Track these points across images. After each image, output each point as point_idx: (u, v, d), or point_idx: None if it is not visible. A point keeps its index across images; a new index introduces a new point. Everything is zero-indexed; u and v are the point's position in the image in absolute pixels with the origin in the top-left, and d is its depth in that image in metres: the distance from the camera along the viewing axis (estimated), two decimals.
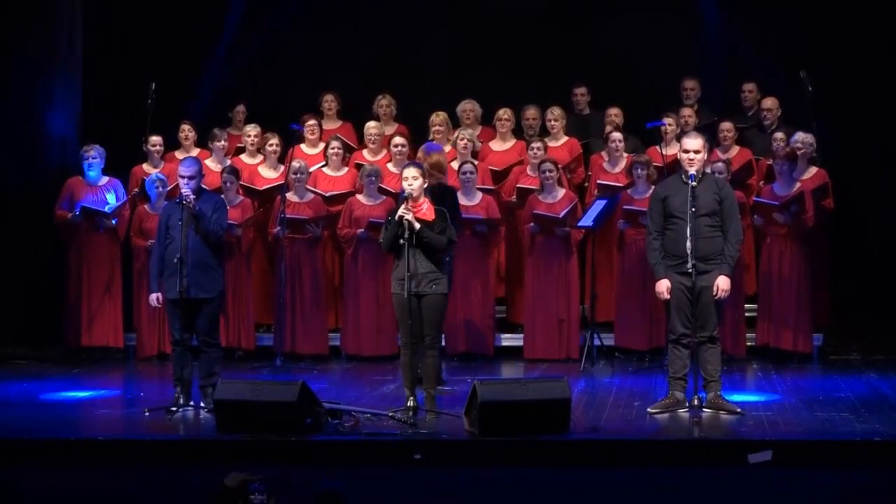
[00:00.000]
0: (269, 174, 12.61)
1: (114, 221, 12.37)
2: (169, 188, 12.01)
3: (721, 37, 13.73)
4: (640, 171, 11.90)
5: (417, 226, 9.46)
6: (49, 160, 13.15)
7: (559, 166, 12.10)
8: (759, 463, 8.43)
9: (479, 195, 12.00)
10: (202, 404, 9.83)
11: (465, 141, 12.45)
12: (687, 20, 13.83)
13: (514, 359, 12.17)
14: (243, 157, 12.91)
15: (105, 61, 13.69)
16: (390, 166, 12.40)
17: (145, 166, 12.79)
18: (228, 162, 12.64)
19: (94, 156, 12.37)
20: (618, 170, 12.44)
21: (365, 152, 12.78)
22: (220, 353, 10.08)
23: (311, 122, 12.89)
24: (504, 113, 12.87)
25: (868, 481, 8.24)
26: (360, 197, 12.10)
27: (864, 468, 8.43)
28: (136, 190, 12.61)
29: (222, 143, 12.74)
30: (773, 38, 13.47)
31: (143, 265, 11.91)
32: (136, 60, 13.62)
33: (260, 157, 12.81)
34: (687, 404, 9.55)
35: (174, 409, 9.78)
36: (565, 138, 12.88)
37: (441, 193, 10.36)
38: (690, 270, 9.41)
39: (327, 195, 12.30)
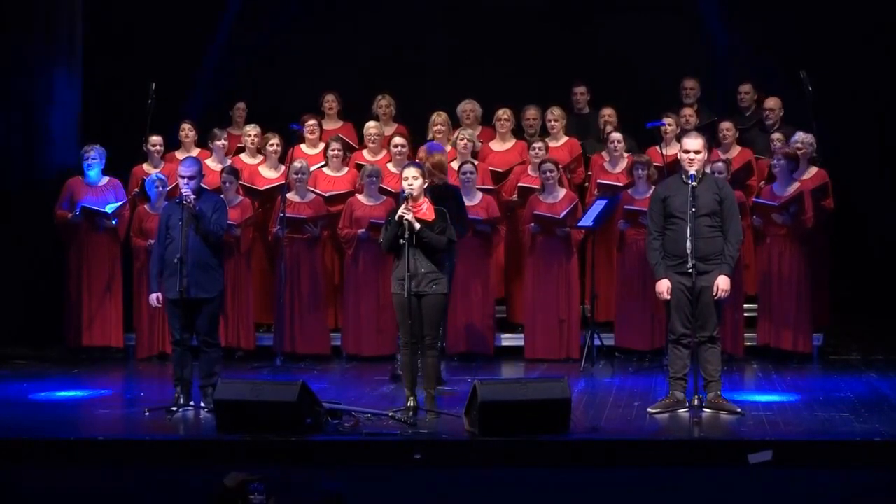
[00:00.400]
0: (270, 174, 12.61)
1: (114, 221, 12.36)
2: (169, 188, 12.00)
3: (723, 37, 13.71)
4: (640, 171, 11.90)
5: (417, 226, 9.46)
6: (49, 160, 13.16)
7: (560, 166, 12.10)
8: (759, 463, 8.42)
9: (480, 195, 12.00)
10: (202, 404, 9.82)
11: (465, 141, 12.45)
12: (687, 20, 13.82)
13: (515, 359, 12.17)
14: (243, 156, 12.91)
15: (105, 61, 13.68)
16: (390, 166, 12.40)
17: (145, 166, 12.79)
18: (229, 162, 12.63)
19: (94, 156, 12.37)
20: (618, 170, 12.44)
21: (365, 152, 12.78)
22: (220, 353, 10.07)
23: (311, 122, 12.89)
24: (504, 113, 12.87)
25: (868, 481, 8.22)
26: (360, 197, 12.10)
27: (865, 468, 8.42)
28: (136, 190, 12.60)
29: (222, 142, 12.74)
30: (773, 38, 13.45)
31: (143, 265, 11.91)
32: (136, 60, 13.61)
33: (260, 157, 12.80)
34: (687, 404, 9.54)
35: (174, 409, 9.77)
36: (565, 138, 12.88)
37: (445, 193, 10.36)
38: (690, 270, 9.40)
39: (327, 195, 12.30)
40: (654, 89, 13.41)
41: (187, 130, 12.85)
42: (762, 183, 12.28)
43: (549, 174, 11.93)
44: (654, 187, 10.67)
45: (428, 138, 12.53)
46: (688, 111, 12.86)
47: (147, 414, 9.76)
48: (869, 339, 12.45)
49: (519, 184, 12.35)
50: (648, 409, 9.65)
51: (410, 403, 9.44)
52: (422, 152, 10.80)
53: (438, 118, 12.75)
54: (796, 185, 11.74)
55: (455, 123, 12.98)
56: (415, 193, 9.54)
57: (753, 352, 12.01)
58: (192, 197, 9.73)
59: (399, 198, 9.82)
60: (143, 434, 9.23)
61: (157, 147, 12.75)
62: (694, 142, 9.57)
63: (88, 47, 13.53)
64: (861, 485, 8.17)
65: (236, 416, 8.91)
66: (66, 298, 12.46)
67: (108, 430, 9.42)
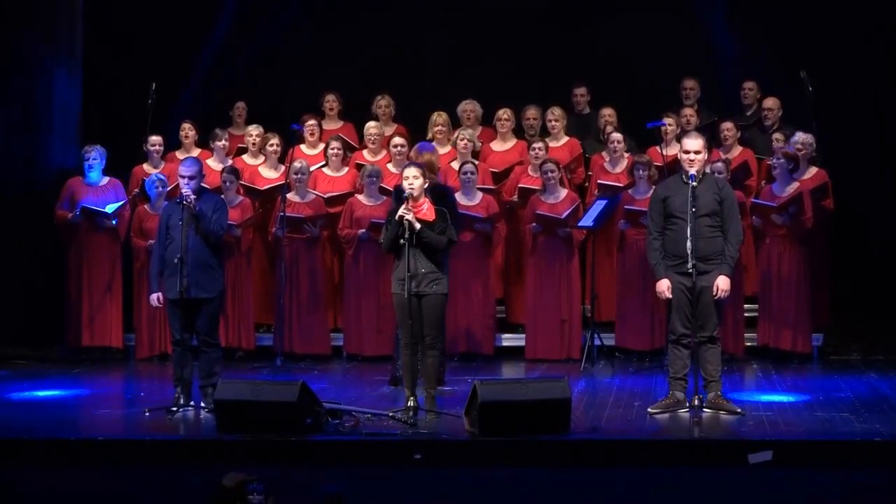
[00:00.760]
0: (270, 174, 12.60)
1: (114, 221, 12.35)
2: (169, 188, 11.99)
3: (724, 37, 13.70)
4: (641, 171, 11.90)
5: (418, 226, 9.45)
6: (49, 160, 13.15)
7: (561, 166, 12.10)
8: (759, 463, 8.41)
9: (480, 195, 11.99)
10: (202, 404, 9.81)
11: (466, 141, 12.44)
12: (687, 20, 13.81)
13: (515, 359, 12.16)
14: (245, 157, 12.89)
15: (105, 61, 13.67)
16: (390, 167, 12.39)
17: (145, 166, 12.78)
18: (230, 162, 12.62)
19: (94, 156, 12.36)
20: (618, 170, 12.43)
21: (365, 152, 12.77)
22: (220, 354, 10.06)
23: (311, 122, 12.87)
24: (504, 113, 12.86)
25: (868, 481, 8.21)
26: (360, 197, 12.09)
27: (865, 468, 8.41)
28: (136, 190, 12.59)
29: (223, 142, 12.73)
30: (772, 38, 13.44)
31: (144, 265, 11.90)
32: (136, 60, 13.59)
33: (262, 158, 12.79)
34: (687, 404, 9.53)
35: (174, 409, 9.76)
36: (566, 138, 12.87)
37: (435, 193, 10.34)
38: (691, 271, 9.40)
39: (326, 196, 12.29)
40: (654, 89, 13.41)
41: (188, 130, 12.84)
42: (763, 183, 12.27)
43: (550, 174, 11.92)
44: (654, 187, 10.67)
45: (428, 138, 12.54)
46: (688, 111, 12.85)
47: (147, 414, 9.74)
48: (869, 339, 12.44)
49: (519, 185, 12.34)
50: (649, 410, 9.64)
51: (411, 403, 9.43)
52: (412, 152, 10.81)
53: (439, 118, 12.74)
54: (795, 185, 11.73)
55: (455, 123, 12.97)
56: (415, 193, 9.53)
57: (753, 352, 12.00)
58: (193, 197, 9.72)
59: (394, 193, 9.79)
60: (143, 434, 9.22)
61: (157, 147, 12.74)
62: (694, 142, 9.56)
63: (88, 47, 13.52)
64: (861, 485, 8.15)
65: (236, 416, 8.90)
66: (66, 298, 12.45)
67: (108, 430, 9.40)
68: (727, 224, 9.52)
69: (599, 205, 11.68)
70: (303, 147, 12.78)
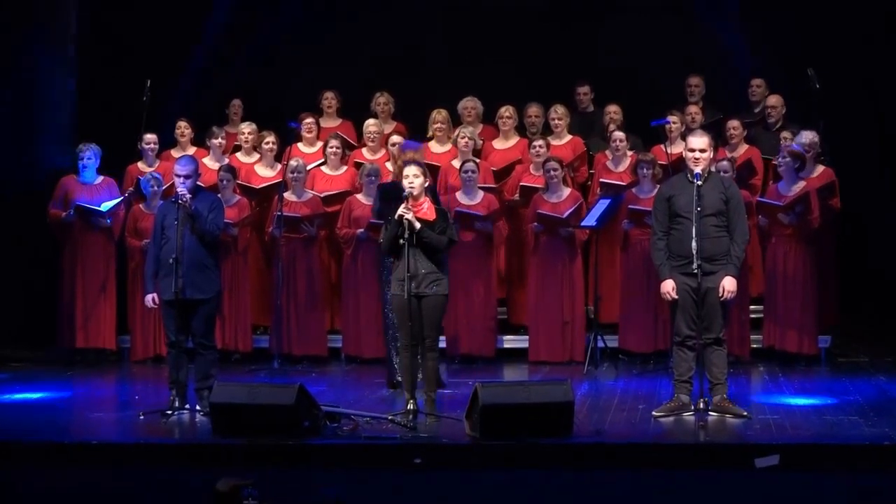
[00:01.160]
0: (266, 172, 12.51)
1: (108, 220, 12.24)
2: (164, 187, 11.90)
3: (728, 35, 13.62)
4: (645, 170, 11.79)
5: (418, 225, 9.35)
6: (44, 159, 13.08)
7: (563, 165, 11.98)
8: (766, 467, 8.35)
9: (481, 194, 11.89)
10: (198, 407, 9.73)
11: (467, 139, 12.34)
12: (687, 19, 13.75)
13: (516, 361, 12.08)
14: (239, 155, 12.81)
15: (100, 60, 13.62)
16: (389, 165, 12.27)
17: (140, 165, 12.72)
18: (226, 160, 12.52)
19: (89, 155, 12.30)
20: (621, 169, 12.33)
21: (364, 151, 12.69)
22: (215, 356, 9.97)
23: (309, 120, 12.81)
24: (506, 110, 12.78)
25: (877, 486, 8.14)
26: (359, 196, 11.98)
27: (873, 472, 8.34)
28: (130, 189, 12.48)
29: (220, 140, 12.65)
30: (774, 37, 13.37)
31: (138, 265, 11.81)
32: (131, 59, 13.56)
33: (256, 156, 12.71)
34: (692, 407, 9.45)
35: (170, 412, 9.67)
36: (569, 136, 12.79)
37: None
38: (696, 271, 9.29)
39: (323, 195, 12.18)
40: (655, 89, 13.36)
41: (184, 128, 12.79)
42: (771, 182, 12.17)
43: (552, 173, 11.81)
44: (658, 186, 10.55)
45: (427, 136, 12.49)
46: (693, 109, 12.77)
47: (142, 417, 9.66)
48: (877, 341, 12.35)
49: (521, 183, 12.23)
50: (653, 413, 9.54)
51: (410, 406, 9.33)
52: (395, 150, 10.73)
53: (438, 116, 12.66)
54: (802, 184, 11.63)
55: (456, 121, 12.87)
56: (415, 192, 9.42)
57: (759, 354, 11.91)
58: (188, 196, 9.63)
59: (378, 192, 9.66)
60: (138, 438, 9.18)
61: (152, 145, 12.66)
62: (699, 140, 9.46)
63: (83, 46, 13.51)
64: (870, 490, 8.09)
65: (232, 419, 8.82)
66: (60, 299, 12.35)
67: (102, 433, 9.35)
68: (733, 224, 9.41)
69: (602, 204, 11.58)
70: (300, 145, 12.70)
